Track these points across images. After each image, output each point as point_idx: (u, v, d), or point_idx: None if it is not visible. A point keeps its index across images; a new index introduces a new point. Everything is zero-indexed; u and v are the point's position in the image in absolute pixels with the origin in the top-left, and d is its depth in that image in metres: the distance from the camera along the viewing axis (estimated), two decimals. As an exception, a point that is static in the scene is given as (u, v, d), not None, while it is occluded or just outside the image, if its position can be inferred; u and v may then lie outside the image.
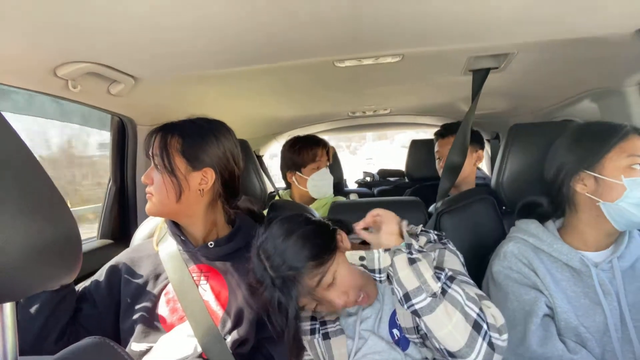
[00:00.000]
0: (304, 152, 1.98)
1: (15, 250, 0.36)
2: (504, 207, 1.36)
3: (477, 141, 2.01)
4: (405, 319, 0.96)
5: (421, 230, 1.06)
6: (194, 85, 1.40)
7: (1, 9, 0.73)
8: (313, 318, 1.07)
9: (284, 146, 2.07)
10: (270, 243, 0.93)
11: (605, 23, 1.00)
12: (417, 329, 0.95)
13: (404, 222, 0.95)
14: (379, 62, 1.25)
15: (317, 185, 1.96)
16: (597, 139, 1.03)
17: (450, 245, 1.02)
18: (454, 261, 0.97)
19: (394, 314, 1.01)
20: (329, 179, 2.01)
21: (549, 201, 1.15)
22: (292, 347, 0.94)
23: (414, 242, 0.89)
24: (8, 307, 0.40)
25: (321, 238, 0.95)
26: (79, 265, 0.44)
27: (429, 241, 1.02)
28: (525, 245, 1.10)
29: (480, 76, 1.45)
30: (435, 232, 1.06)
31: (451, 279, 0.86)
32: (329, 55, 1.19)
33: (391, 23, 0.97)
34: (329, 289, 0.93)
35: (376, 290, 1.02)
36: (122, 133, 1.59)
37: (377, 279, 0.89)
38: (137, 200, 1.64)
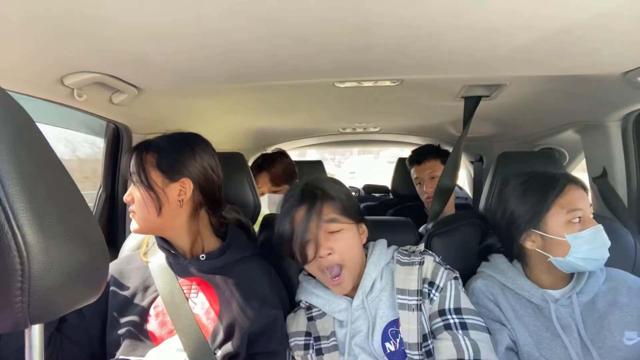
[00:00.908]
0: None
1: (56, 273, 0.36)
2: (490, 232, 1.40)
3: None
4: (409, 335, 1.00)
5: (424, 250, 1.12)
6: (193, 97, 1.41)
7: (14, 20, 0.74)
8: (308, 334, 1.08)
9: None
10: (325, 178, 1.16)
11: (596, 64, 1.06)
12: (420, 345, 0.99)
13: None
14: (378, 84, 1.29)
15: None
16: (538, 197, 1.09)
17: (457, 275, 1.09)
18: (465, 298, 1.05)
19: (387, 327, 1.03)
20: (265, 206, 1.81)
21: (502, 243, 1.21)
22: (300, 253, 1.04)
23: None
24: (37, 329, 0.40)
25: (358, 207, 1.12)
26: (104, 285, 0.45)
27: (434, 260, 1.08)
28: (492, 282, 1.15)
29: (472, 103, 1.50)
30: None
31: None
32: (330, 77, 1.22)
33: (394, 52, 1.01)
34: (326, 236, 1.03)
35: (350, 286, 1.07)
36: (117, 140, 1.58)
37: None
38: (127, 208, 1.61)
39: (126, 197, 1.08)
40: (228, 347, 1.00)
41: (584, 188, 1.09)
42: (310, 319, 1.11)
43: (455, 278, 1.07)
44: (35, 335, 0.40)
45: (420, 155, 2.10)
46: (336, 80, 1.25)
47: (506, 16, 0.81)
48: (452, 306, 1.02)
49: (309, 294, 1.13)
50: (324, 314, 1.10)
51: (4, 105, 0.39)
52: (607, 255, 1.05)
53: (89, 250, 0.40)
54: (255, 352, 1.05)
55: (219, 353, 1.00)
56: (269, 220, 1.40)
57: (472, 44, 0.95)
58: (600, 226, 1.04)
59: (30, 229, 0.37)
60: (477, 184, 2.69)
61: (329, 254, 1.02)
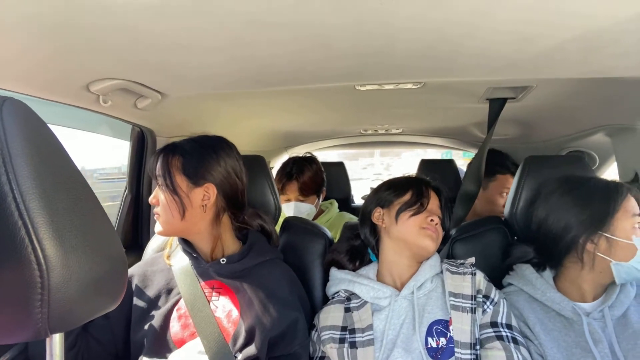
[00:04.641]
0: (277, 181, 1.88)
1: (74, 285, 0.37)
2: (515, 238, 1.36)
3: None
4: (462, 335, 1.00)
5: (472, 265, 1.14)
6: (215, 101, 1.43)
7: (40, 29, 0.75)
8: (343, 328, 1.07)
9: None
10: None
11: (628, 67, 1.02)
12: (473, 345, 0.99)
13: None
14: (400, 87, 1.27)
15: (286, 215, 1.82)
16: (604, 199, 1.06)
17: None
18: (514, 319, 1.06)
19: (433, 324, 1.04)
20: (291, 214, 1.84)
21: (537, 252, 1.18)
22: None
23: None
24: (57, 337, 0.41)
25: None
26: (122, 294, 0.46)
27: (485, 278, 1.10)
28: (518, 296, 1.13)
29: (497, 105, 1.47)
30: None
31: None
32: (351, 80, 1.21)
33: (416, 55, 0.99)
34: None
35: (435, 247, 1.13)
36: (142, 143, 1.61)
37: None
38: (152, 210, 1.64)
39: (151, 199, 1.09)
40: (249, 350, 1.00)
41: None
42: (347, 310, 1.10)
43: (504, 299, 1.09)
44: (55, 343, 0.41)
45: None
46: (357, 83, 1.24)
47: (530, 19, 0.78)
48: (504, 321, 1.04)
49: (349, 282, 1.14)
50: (362, 305, 1.10)
51: (24, 119, 0.40)
52: None
53: (108, 261, 0.41)
54: (276, 355, 1.05)
55: (240, 357, 1.00)
56: (289, 222, 1.40)
57: (496, 46, 0.92)
58: None
59: (50, 242, 0.37)
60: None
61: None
